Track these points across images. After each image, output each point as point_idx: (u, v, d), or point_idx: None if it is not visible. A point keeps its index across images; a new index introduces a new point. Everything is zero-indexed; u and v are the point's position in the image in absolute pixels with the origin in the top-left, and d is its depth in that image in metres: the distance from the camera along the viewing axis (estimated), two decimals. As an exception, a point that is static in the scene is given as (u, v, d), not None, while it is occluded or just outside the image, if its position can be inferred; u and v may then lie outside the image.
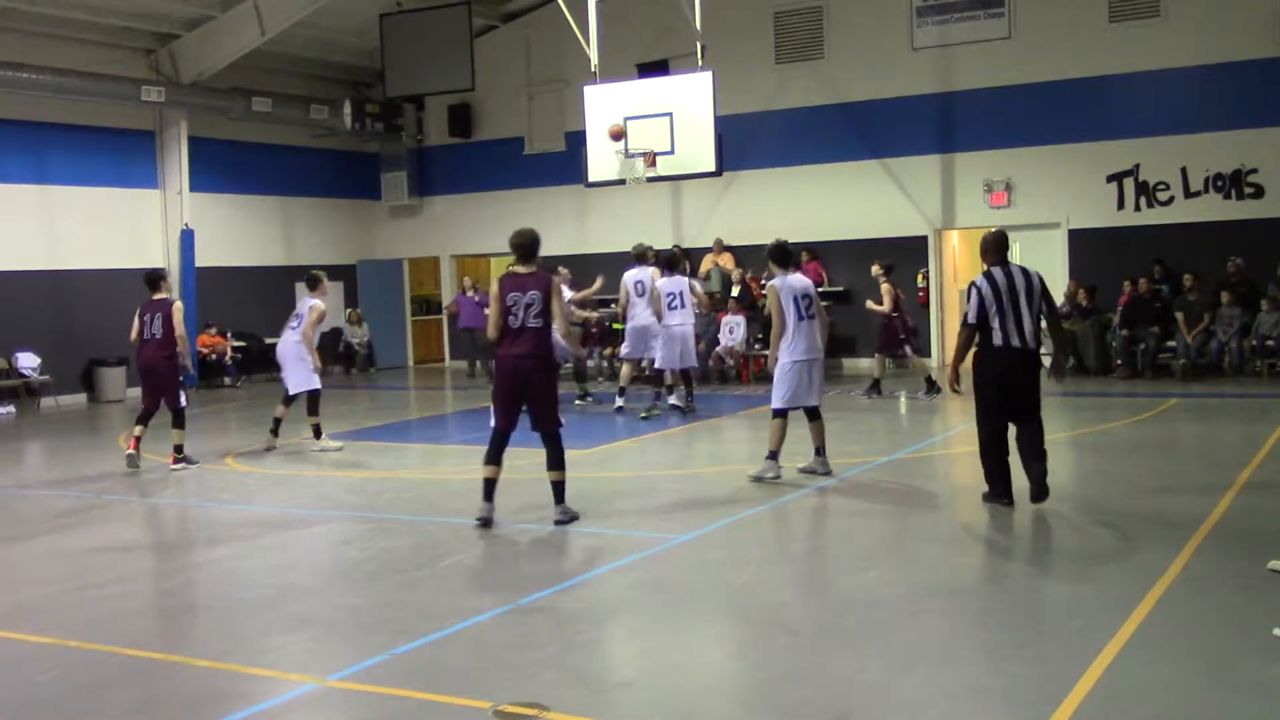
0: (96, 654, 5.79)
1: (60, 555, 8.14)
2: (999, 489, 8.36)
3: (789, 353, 9.32)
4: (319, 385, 12.21)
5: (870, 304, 15.61)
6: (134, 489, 10.67)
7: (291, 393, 12.30)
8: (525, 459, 11.49)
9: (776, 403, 9.42)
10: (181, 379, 11.47)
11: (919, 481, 9.83)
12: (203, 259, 19.96)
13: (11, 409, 17.29)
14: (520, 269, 8.18)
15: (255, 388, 19.92)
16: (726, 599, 6.49)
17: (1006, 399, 8.16)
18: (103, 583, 7.42)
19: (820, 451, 9.75)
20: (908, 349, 15.56)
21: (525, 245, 8.23)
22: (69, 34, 17.96)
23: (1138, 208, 17.76)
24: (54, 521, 9.31)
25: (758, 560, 7.27)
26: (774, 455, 9.43)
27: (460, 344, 22.29)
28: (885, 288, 15.10)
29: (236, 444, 13.16)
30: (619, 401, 14.61)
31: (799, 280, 9.58)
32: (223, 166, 20.80)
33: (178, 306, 11.38)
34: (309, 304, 12.24)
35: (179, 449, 11.39)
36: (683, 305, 14.17)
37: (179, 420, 11.37)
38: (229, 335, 20.53)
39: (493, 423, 8.29)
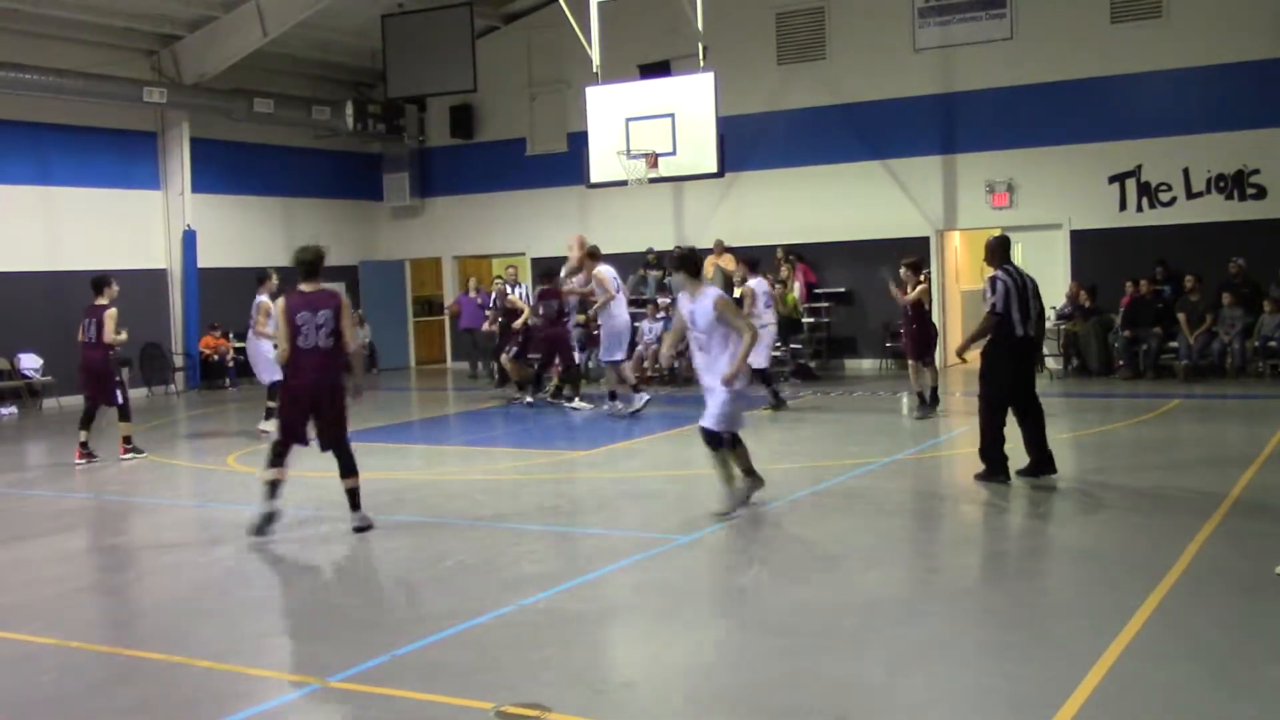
0: (96, 654, 5.79)
1: (60, 555, 8.14)
2: (999, 469, 8.98)
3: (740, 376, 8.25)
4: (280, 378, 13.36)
5: (899, 294, 13.57)
6: (134, 489, 10.67)
7: (266, 382, 13.39)
8: (525, 459, 11.50)
9: (720, 425, 8.13)
10: (119, 378, 12.20)
11: (919, 483, 9.82)
12: (205, 260, 19.97)
13: (14, 410, 17.30)
14: (306, 287, 8.04)
15: (255, 389, 19.89)
16: (727, 600, 6.48)
17: (1016, 384, 8.90)
18: (103, 583, 7.42)
19: (751, 471, 8.52)
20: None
21: (310, 262, 8.09)
22: (71, 35, 17.97)
23: (1140, 209, 17.73)
24: (54, 521, 9.31)
25: (758, 561, 7.26)
26: (752, 471, 8.47)
27: (462, 344, 22.29)
28: (922, 288, 13.40)
29: (238, 445, 13.16)
30: (638, 403, 14.08)
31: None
32: (225, 167, 20.81)
33: (110, 313, 11.95)
34: (255, 302, 13.38)
35: (128, 439, 12.18)
36: (769, 304, 14.48)
37: (123, 415, 12.09)
38: (231, 337, 20.53)
39: (277, 436, 8.20)
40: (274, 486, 8.10)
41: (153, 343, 19.54)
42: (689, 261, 8.37)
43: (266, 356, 13.01)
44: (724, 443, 8.21)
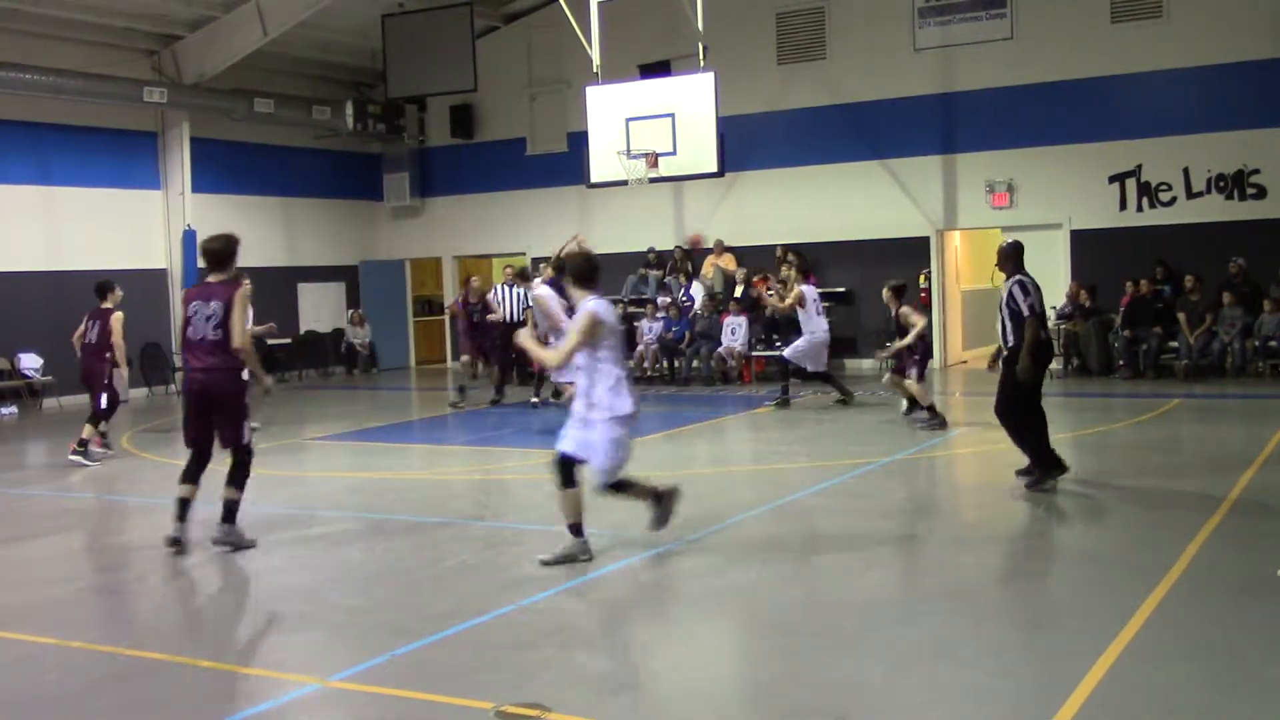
0: (96, 654, 5.79)
1: (60, 555, 8.14)
2: (1054, 463, 8.91)
3: (621, 405, 6.95)
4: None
5: (899, 342, 12.99)
6: (134, 489, 10.67)
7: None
8: (525, 459, 11.49)
9: (610, 475, 7.05)
10: (109, 381, 12.02)
11: (919, 483, 9.82)
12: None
13: (14, 409, 17.30)
14: (212, 277, 7.84)
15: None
16: (727, 600, 6.47)
17: (1038, 385, 8.99)
18: (103, 583, 7.42)
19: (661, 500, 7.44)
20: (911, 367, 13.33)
21: (216, 252, 7.82)
22: (71, 35, 17.96)
23: (1140, 208, 17.73)
24: (54, 521, 9.31)
25: (758, 561, 7.26)
26: (579, 528, 7.21)
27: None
28: (904, 310, 12.82)
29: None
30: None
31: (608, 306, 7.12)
32: (225, 167, 20.80)
33: (117, 317, 11.95)
34: None
35: (83, 443, 11.83)
36: (821, 311, 14.44)
37: (96, 418, 11.97)
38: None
39: (184, 440, 7.91)
40: (182, 505, 7.73)
41: (153, 343, 19.52)
42: (572, 268, 7.17)
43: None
44: (621, 485, 7.20)
